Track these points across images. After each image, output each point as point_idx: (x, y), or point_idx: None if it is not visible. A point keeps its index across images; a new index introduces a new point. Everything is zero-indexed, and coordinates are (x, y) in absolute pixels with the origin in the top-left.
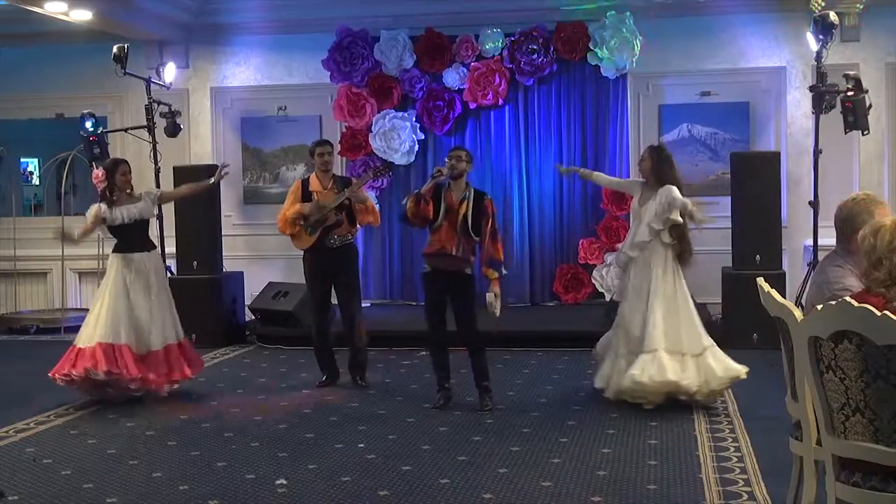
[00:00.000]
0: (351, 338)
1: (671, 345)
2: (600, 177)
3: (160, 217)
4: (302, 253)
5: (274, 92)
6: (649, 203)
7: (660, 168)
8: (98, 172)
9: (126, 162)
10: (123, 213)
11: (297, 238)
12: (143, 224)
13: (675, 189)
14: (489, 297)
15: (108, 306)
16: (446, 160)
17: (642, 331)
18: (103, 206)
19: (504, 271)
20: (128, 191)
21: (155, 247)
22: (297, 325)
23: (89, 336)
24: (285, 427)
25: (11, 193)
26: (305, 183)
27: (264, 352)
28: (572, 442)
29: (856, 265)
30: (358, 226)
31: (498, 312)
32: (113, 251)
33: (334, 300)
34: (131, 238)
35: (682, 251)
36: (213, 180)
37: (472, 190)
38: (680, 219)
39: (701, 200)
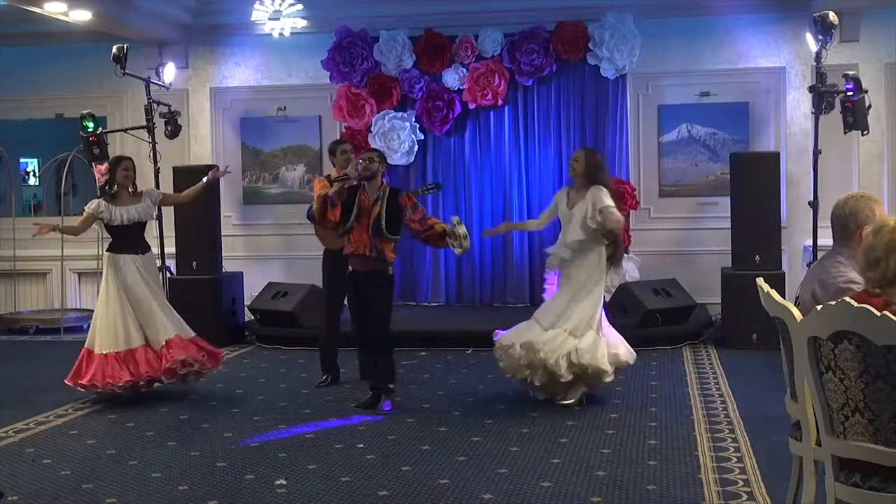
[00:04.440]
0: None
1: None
2: (532, 223)
3: (160, 217)
4: (321, 253)
5: (273, 92)
6: (579, 204)
7: (593, 170)
8: (101, 167)
9: (129, 159)
10: (122, 214)
11: (323, 237)
12: (140, 226)
13: (604, 189)
14: (460, 228)
15: (113, 313)
16: (359, 161)
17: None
18: (103, 204)
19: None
20: (130, 189)
21: (150, 248)
22: (296, 326)
23: (101, 343)
24: (285, 427)
25: (11, 193)
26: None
27: (264, 352)
28: (572, 442)
29: (858, 263)
30: None
31: (461, 248)
32: (107, 250)
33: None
34: (127, 239)
35: (614, 252)
36: (206, 178)
37: (389, 189)
38: (612, 202)
39: (701, 200)
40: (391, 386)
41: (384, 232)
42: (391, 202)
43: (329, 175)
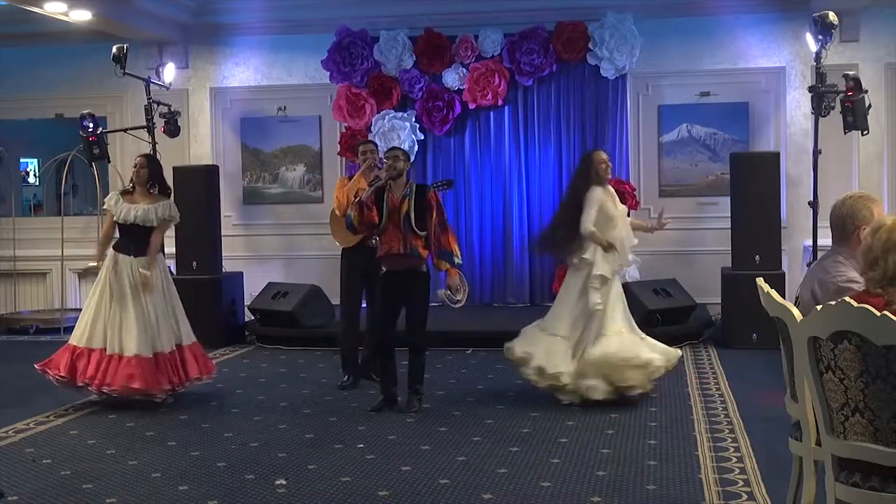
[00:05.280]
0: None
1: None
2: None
3: None
4: (339, 253)
5: (273, 92)
6: (618, 203)
7: None
8: None
9: (142, 156)
10: (122, 211)
11: (340, 235)
12: (137, 228)
13: None
14: (441, 293)
15: (90, 308)
16: (384, 160)
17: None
18: (115, 196)
19: (457, 261)
20: (151, 189)
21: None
22: (296, 326)
23: (74, 333)
24: (285, 427)
25: (11, 193)
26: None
27: (264, 352)
28: (572, 442)
29: (858, 263)
30: None
31: (459, 303)
32: (111, 246)
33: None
34: (126, 239)
35: None
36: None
37: (415, 185)
38: None
39: (701, 200)
40: (419, 387)
41: (414, 228)
42: (418, 198)
43: (351, 175)
